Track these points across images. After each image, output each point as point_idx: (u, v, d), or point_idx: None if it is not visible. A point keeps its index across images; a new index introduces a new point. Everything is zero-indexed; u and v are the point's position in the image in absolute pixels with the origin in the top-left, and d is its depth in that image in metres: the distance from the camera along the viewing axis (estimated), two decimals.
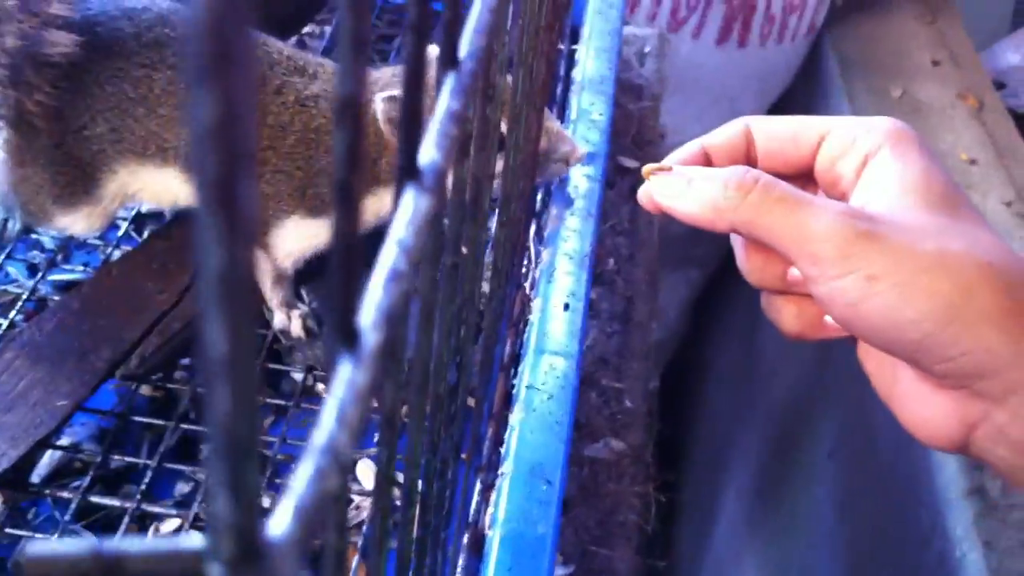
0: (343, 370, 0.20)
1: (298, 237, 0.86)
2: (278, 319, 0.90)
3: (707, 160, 0.59)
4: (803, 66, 1.87)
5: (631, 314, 1.15)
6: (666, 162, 0.59)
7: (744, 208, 0.53)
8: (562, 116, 1.05)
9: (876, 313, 0.50)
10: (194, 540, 0.17)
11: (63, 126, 0.83)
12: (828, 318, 0.56)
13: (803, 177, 0.58)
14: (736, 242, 0.59)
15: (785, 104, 1.84)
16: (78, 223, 0.89)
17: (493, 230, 0.62)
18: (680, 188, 0.56)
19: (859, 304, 0.50)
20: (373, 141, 0.80)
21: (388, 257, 0.23)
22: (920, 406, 0.54)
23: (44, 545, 0.17)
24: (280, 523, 0.17)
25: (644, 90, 1.42)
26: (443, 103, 0.28)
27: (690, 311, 2.04)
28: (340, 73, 0.18)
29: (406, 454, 0.36)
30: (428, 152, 0.26)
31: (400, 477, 0.41)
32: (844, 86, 1.70)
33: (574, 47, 1.17)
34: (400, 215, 0.24)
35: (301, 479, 0.18)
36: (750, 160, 0.59)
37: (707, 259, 1.99)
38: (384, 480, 0.29)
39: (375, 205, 0.81)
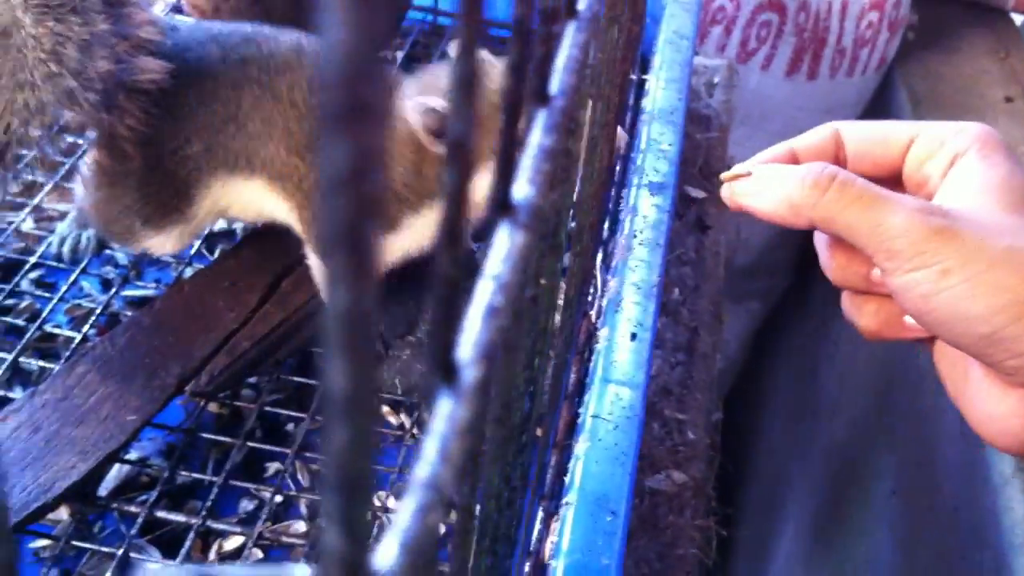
0: (443, 405, 0.20)
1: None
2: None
3: (794, 161, 0.61)
4: (872, 100, 1.86)
5: (695, 345, 1.14)
6: (753, 160, 0.61)
7: (822, 205, 0.54)
8: (631, 146, 1.05)
9: (947, 306, 0.52)
10: (302, 571, 0.17)
11: (157, 149, 0.85)
12: (907, 318, 0.57)
13: (891, 180, 0.60)
14: (819, 241, 0.61)
15: None
16: (168, 243, 0.91)
17: (567, 261, 0.62)
18: (759, 186, 0.58)
19: (931, 297, 0.52)
20: (410, 151, 0.81)
21: (485, 293, 0.23)
22: (988, 403, 0.55)
23: (156, 569, 0.17)
24: (387, 557, 0.17)
25: (712, 120, 1.42)
26: (535, 139, 0.28)
27: (751, 343, 2.03)
28: (453, 114, 0.19)
29: (484, 485, 0.36)
30: (522, 187, 0.26)
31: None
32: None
33: (644, 76, 1.17)
34: (495, 251, 0.24)
35: (405, 513, 0.18)
36: (839, 162, 0.60)
37: (769, 292, 1.98)
38: (467, 512, 0.29)
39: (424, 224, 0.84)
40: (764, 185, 0.58)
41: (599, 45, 0.52)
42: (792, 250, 1.92)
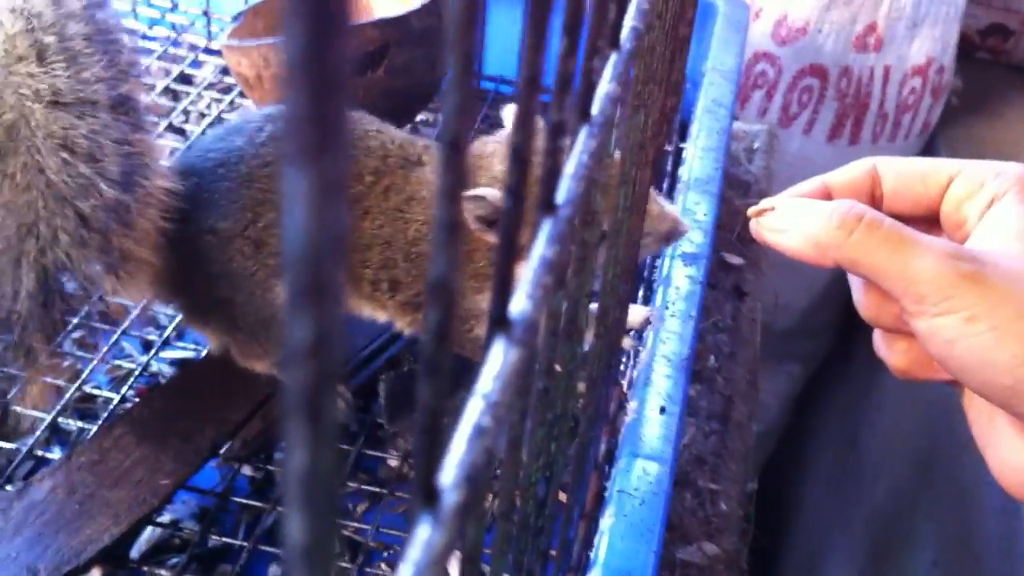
0: (422, 531, 0.21)
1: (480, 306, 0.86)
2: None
3: (827, 196, 0.60)
4: None
5: (730, 414, 1.14)
6: (784, 194, 0.61)
7: (848, 246, 0.54)
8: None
9: (972, 354, 0.51)
10: None
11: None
12: None
13: (928, 220, 0.59)
14: (853, 281, 0.60)
15: None
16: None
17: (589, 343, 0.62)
18: (785, 222, 0.57)
19: (956, 343, 0.51)
20: (468, 235, 0.80)
21: (473, 412, 0.24)
22: (1010, 453, 0.54)
23: None
24: None
25: (751, 186, 1.42)
26: (538, 250, 0.29)
27: (792, 407, 2.01)
28: (435, 256, 0.19)
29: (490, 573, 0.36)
30: (520, 302, 0.27)
31: None
32: None
33: (682, 145, 1.18)
34: (488, 368, 0.25)
35: None
36: (875, 199, 0.60)
37: (811, 355, 1.96)
38: None
39: (482, 303, 0.82)
40: (790, 222, 0.57)
41: (622, 132, 0.52)
42: (834, 313, 1.91)
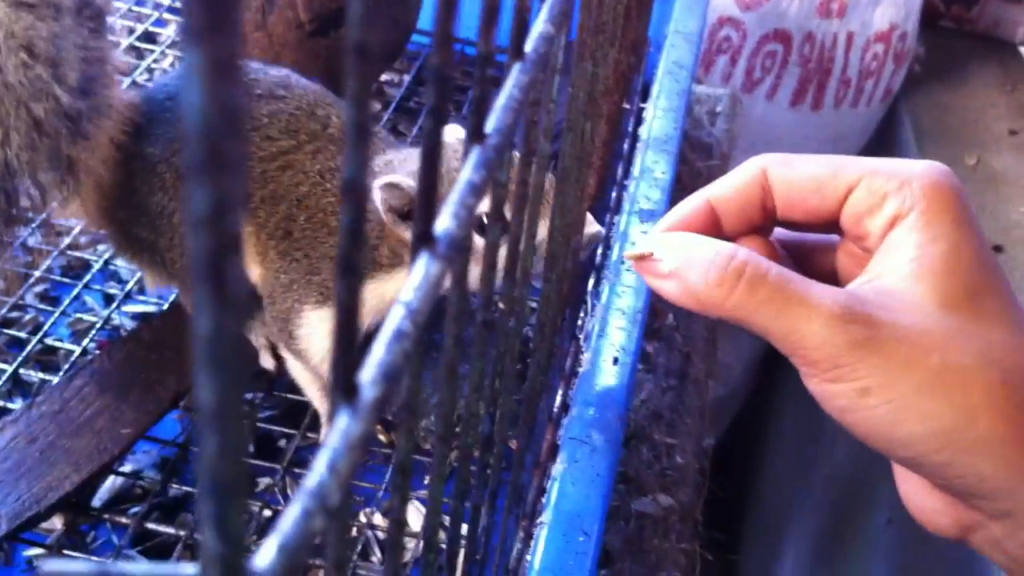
0: (340, 421, 0.22)
1: (318, 331, 0.85)
2: (323, 433, 0.89)
3: (713, 218, 0.54)
4: (877, 131, 1.87)
5: (688, 370, 1.16)
6: (665, 220, 0.55)
7: (728, 308, 0.48)
8: (626, 173, 1.06)
9: (867, 425, 0.47)
10: (188, 569, 0.19)
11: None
12: None
13: (828, 226, 0.53)
14: None
15: None
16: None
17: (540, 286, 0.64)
18: (664, 267, 0.50)
19: (849, 413, 0.47)
20: (375, 227, 0.80)
21: (394, 318, 0.25)
22: (919, 498, 0.52)
23: (57, 564, 0.19)
24: (265, 557, 0.19)
25: (714, 149, 1.44)
26: (465, 174, 0.30)
27: (756, 369, 2.04)
28: (347, 157, 0.21)
29: (428, 499, 0.38)
30: (444, 221, 0.28)
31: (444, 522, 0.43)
32: (918, 153, 1.70)
33: (643, 105, 1.19)
34: (411, 279, 0.26)
35: (288, 519, 0.20)
36: (766, 211, 0.53)
37: None
38: (396, 524, 0.31)
39: (377, 289, 0.82)
40: (668, 269, 0.50)
41: (566, 80, 0.54)
42: None
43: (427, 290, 0.26)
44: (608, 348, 0.82)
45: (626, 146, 1.17)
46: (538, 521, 0.71)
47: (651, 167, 1.03)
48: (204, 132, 0.15)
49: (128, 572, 0.19)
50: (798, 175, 0.52)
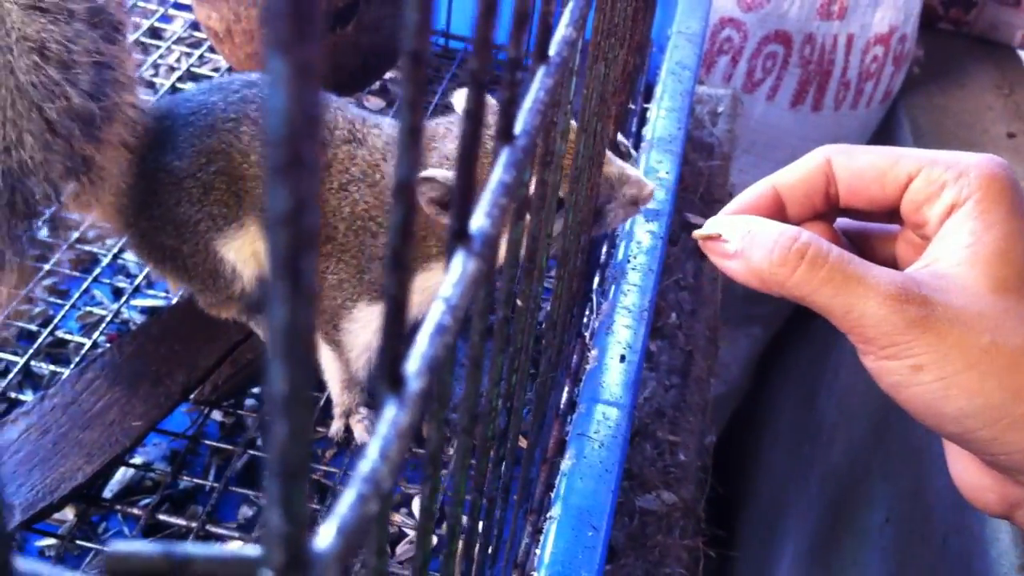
0: (388, 411, 0.23)
1: (366, 327, 0.87)
2: (334, 427, 0.91)
3: (778, 203, 0.57)
4: (876, 133, 1.88)
5: (690, 368, 1.17)
6: (732, 204, 0.58)
7: (791, 285, 0.51)
8: None
9: (919, 400, 0.49)
10: (252, 549, 0.20)
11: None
12: None
13: (889, 214, 0.56)
14: None
15: None
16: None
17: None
18: (730, 247, 0.54)
19: (902, 388, 0.49)
20: (421, 220, 0.80)
21: (435, 313, 0.26)
22: (969, 475, 0.54)
23: (125, 544, 0.20)
24: (325, 539, 0.20)
25: (715, 148, 1.45)
26: (496, 175, 0.31)
27: (753, 368, 2.05)
28: (399, 159, 0.22)
29: (452, 491, 0.39)
30: (479, 220, 0.29)
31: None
32: None
33: (646, 105, 1.20)
34: (449, 276, 0.27)
35: (345, 503, 0.21)
36: (829, 199, 0.56)
37: (770, 318, 2.00)
38: (426, 513, 0.32)
39: (426, 281, 0.83)
40: (734, 249, 0.54)
41: (582, 82, 0.55)
42: None
43: (465, 286, 0.27)
44: (615, 346, 0.83)
45: (630, 145, 1.18)
46: (547, 516, 0.72)
47: (655, 167, 1.04)
48: (287, 135, 0.16)
49: (192, 552, 0.20)
50: (861, 164, 0.55)
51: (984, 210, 0.50)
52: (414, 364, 0.24)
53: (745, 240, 0.53)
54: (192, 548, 0.21)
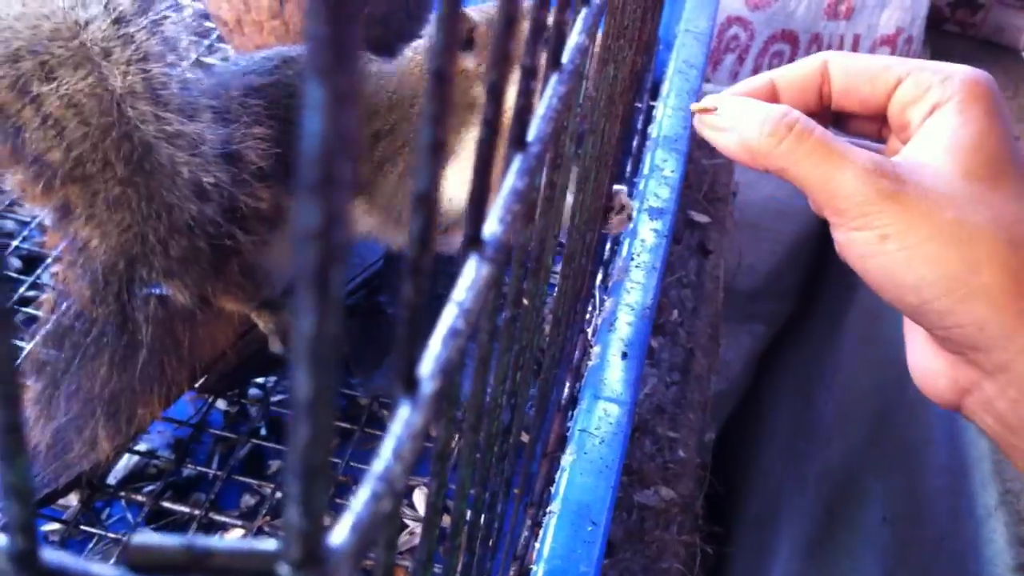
0: (402, 411, 0.24)
1: (454, 183, 0.88)
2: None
3: (773, 96, 0.60)
4: None
5: (691, 366, 1.18)
6: (731, 91, 0.61)
7: (776, 154, 0.54)
8: (635, 170, 1.08)
9: (882, 270, 0.52)
10: (270, 544, 0.21)
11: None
12: None
13: (878, 118, 0.60)
14: None
15: None
16: None
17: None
18: (722, 124, 0.57)
19: (868, 259, 0.52)
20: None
21: (449, 316, 0.27)
22: (924, 359, 0.56)
23: (147, 535, 0.21)
24: (340, 535, 0.21)
25: None
26: (509, 181, 0.32)
27: (754, 365, 2.06)
28: (419, 173, 0.22)
29: (457, 485, 0.40)
30: (492, 225, 0.30)
31: (451, 506, 0.45)
32: None
33: (653, 103, 1.21)
34: (462, 280, 0.28)
35: (360, 500, 0.22)
36: (823, 97, 0.60)
37: (772, 316, 2.01)
38: (433, 508, 0.33)
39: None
40: (727, 123, 0.57)
41: (592, 85, 0.55)
42: (798, 276, 1.95)
43: (478, 291, 0.28)
44: (616, 343, 0.84)
45: (635, 143, 1.19)
46: (547, 510, 0.73)
47: (660, 165, 1.05)
48: (321, 155, 0.16)
49: (212, 545, 0.21)
50: (855, 64, 0.59)
51: (964, 109, 0.54)
52: (428, 367, 0.25)
53: (738, 115, 0.57)
54: (212, 542, 0.21)
